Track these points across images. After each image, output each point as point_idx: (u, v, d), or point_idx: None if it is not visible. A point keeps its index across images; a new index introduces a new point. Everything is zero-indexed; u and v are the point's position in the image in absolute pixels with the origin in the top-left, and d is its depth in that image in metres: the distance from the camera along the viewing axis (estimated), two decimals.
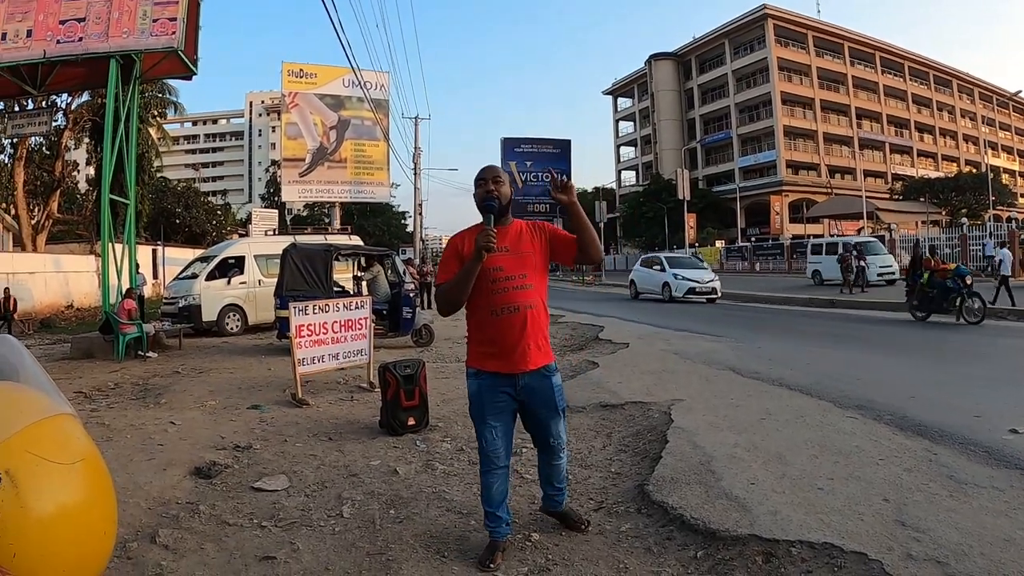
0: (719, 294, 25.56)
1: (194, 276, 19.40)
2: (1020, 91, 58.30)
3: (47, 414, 3.09)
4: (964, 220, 48.03)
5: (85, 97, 32.14)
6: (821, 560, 3.70)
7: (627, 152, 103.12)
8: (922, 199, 64.97)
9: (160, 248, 36.55)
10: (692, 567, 3.85)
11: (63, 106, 32.05)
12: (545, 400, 4.03)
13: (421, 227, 56.45)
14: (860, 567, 3.58)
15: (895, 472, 5.05)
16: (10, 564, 2.67)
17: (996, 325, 15.49)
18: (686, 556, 3.98)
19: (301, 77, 50.69)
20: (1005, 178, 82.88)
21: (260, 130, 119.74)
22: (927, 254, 18.17)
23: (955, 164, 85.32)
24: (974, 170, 75.67)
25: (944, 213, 64.12)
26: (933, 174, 77.02)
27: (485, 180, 3.98)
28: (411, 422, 7.03)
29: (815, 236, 54.26)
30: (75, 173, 41.37)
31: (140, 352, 14.10)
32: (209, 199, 63.39)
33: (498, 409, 3.99)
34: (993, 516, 4.17)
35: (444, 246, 4.08)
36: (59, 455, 2.95)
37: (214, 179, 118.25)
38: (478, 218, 3.90)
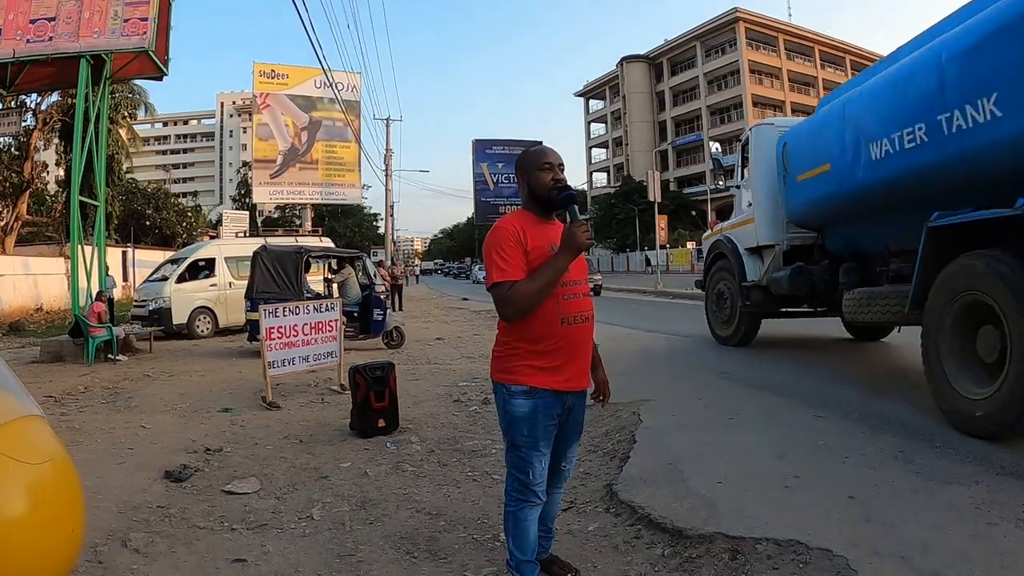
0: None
1: (164, 278, 19.25)
2: None
3: (16, 415, 3.09)
4: None
5: (55, 97, 31.82)
6: (787, 557, 3.74)
7: (598, 154, 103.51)
8: None
9: (130, 250, 36.27)
10: (659, 565, 3.90)
11: (32, 106, 31.75)
12: (576, 422, 3.58)
13: (393, 229, 56.34)
14: (825, 563, 3.62)
15: (862, 470, 5.11)
16: None
17: None
18: (654, 554, 4.03)
19: (273, 78, 50.42)
20: None
21: (231, 131, 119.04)
22: None
23: None
24: None
25: None
26: None
27: (552, 166, 3.36)
28: (381, 424, 7.04)
29: None
30: (44, 174, 40.97)
31: (110, 355, 14.00)
32: (180, 200, 63.10)
33: (549, 433, 3.37)
34: (958, 512, 4.22)
35: (495, 233, 3.24)
36: (27, 455, 2.95)
37: (185, 180, 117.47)
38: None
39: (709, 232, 15.25)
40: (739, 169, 13.00)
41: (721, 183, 18.15)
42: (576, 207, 3.36)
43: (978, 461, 5.16)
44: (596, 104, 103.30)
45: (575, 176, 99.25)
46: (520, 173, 3.45)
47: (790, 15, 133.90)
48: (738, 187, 13.10)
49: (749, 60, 76.77)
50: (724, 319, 12.83)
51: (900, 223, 8.11)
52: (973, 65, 6.46)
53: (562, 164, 3.40)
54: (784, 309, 11.90)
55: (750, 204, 12.12)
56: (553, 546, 3.91)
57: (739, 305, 12.05)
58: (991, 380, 5.85)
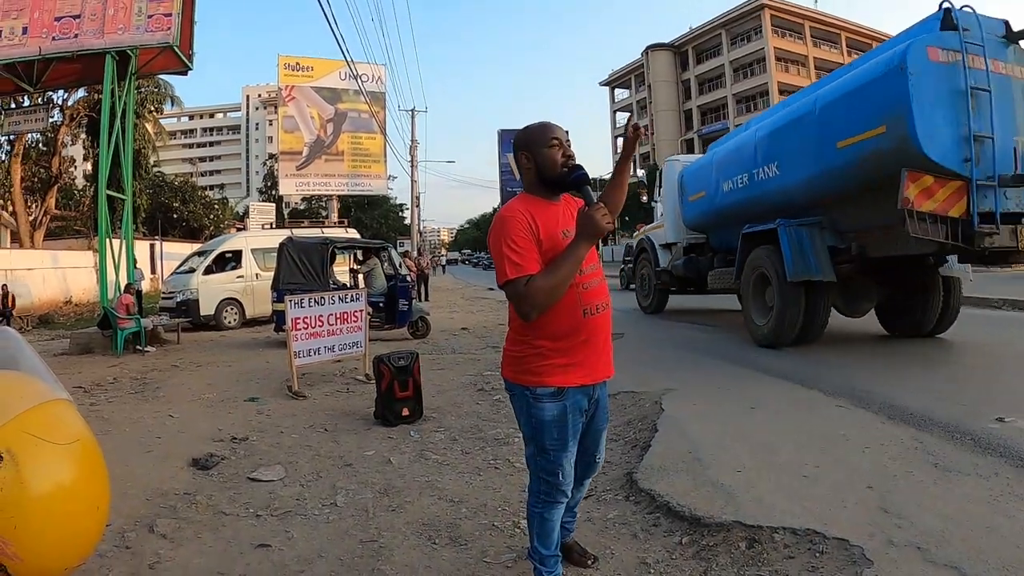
0: None
1: (192, 270, 19.41)
2: None
3: (45, 399, 3.20)
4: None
5: (81, 93, 32.12)
6: (803, 546, 3.76)
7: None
8: None
9: (158, 243, 36.61)
10: (677, 552, 3.92)
11: (59, 102, 32.05)
12: (605, 409, 3.42)
13: (419, 219, 56.45)
14: (841, 552, 3.65)
15: (880, 460, 5.11)
16: (11, 536, 2.80)
17: (988, 315, 15.55)
18: (671, 542, 4.06)
19: (297, 70, 50.54)
20: None
21: (257, 124, 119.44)
22: None
23: None
24: None
25: None
26: None
27: (560, 142, 3.12)
28: (405, 413, 7.11)
29: None
30: (72, 169, 41.35)
31: (138, 347, 14.17)
32: (206, 193, 63.32)
33: (578, 431, 3.21)
34: (976, 504, 4.22)
35: (502, 223, 2.97)
36: (56, 436, 3.06)
37: (211, 173, 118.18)
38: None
39: (637, 232, 22.05)
40: (657, 190, 18.85)
41: (646, 199, 24.13)
42: (590, 187, 3.07)
43: (997, 453, 5.14)
44: (622, 93, 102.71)
45: (602, 165, 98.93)
46: (522, 153, 3.18)
47: (816, 1, 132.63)
48: (656, 202, 18.95)
49: (775, 48, 76.10)
50: (645, 294, 18.61)
51: (738, 230, 12.30)
52: (768, 145, 11.70)
53: (569, 140, 3.16)
54: (688, 289, 16.86)
55: (662, 214, 17.82)
56: (575, 530, 3.89)
57: (655, 284, 17.77)
58: (768, 315, 11.07)
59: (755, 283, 11.55)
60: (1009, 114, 8.85)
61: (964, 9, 8.94)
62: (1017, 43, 9.19)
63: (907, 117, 8.36)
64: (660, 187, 17.97)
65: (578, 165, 3.09)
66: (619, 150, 3.57)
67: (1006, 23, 9.26)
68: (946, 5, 8.88)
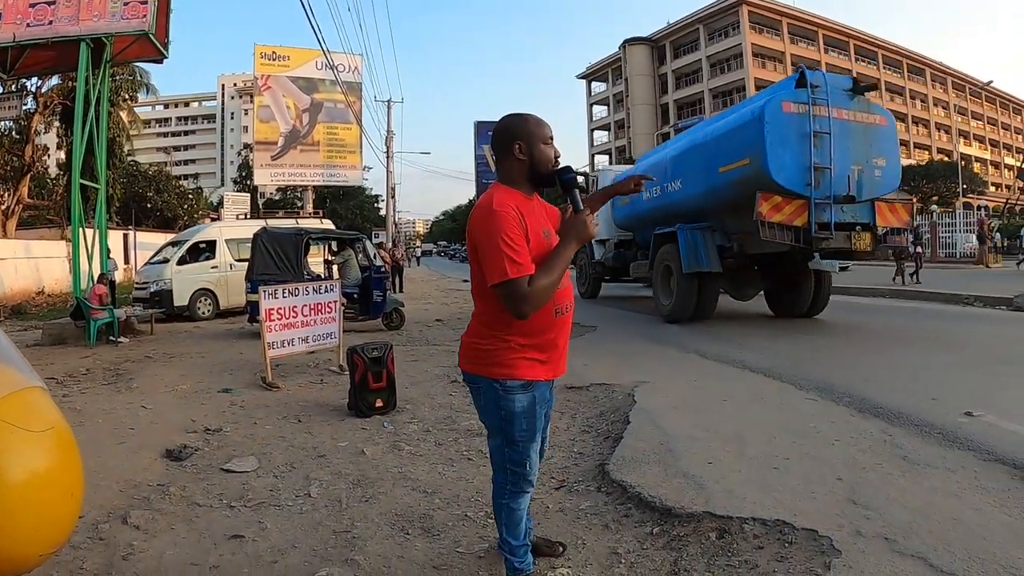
0: None
1: (165, 261, 19.30)
2: (992, 81, 59.19)
3: (19, 387, 3.20)
4: (935, 207, 48.55)
5: (55, 80, 31.75)
6: (772, 536, 3.83)
7: (600, 136, 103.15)
8: None
9: (131, 233, 36.33)
10: (648, 543, 3.97)
11: (33, 90, 31.69)
12: (552, 402, 3.48)
13: (394, 210, 56.34)
14: (810, 543, 3.71)
15: (850, 452, 5.21)
16: None
17: (959, 311, 15.74)
18: (642, 532, 4.11)
19: (274, 60, 50.28)
20: (976, 167, 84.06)
21: (232, 113, 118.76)
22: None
23: (927, 152, 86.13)
24: (946, 158, 76.60)
25: (915, 200, 64.75)
26: (905, 161, 77.22)
27: (551, 140, 3.16)
28: (379, 404, 7.13)
29: None
30: (45, 157, 40.87)
31: (112, 337, 14.09)
32: (181, 183, 62.90)
33: (543, 422, 3.34)
34: (943, 496, 4.31)
35: (496, 218, 2.88)
36: (29, 423, 3.06)
37: (186, 163, 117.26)
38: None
39: None
40: (594, 191, 20.98)
41: (578, 204, 29.45)
42: (579, 190, 3.10)
43: (966, 447, 5.24)
44: (598, 86, 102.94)
45: (578, 158, 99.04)
46: (517, 144, 3.09)
47: None
48: (583, 205, 20.77)
49: (752, 44, 76.51)
50: (582, 281, 21.62)
51: (653, 231, 15.34)
52: (675, 164, 14.60)
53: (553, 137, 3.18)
54: (619, 279, 20.04)
55: (597, 214, 18.17)
56: (534, 525, 3.90)
57: (590, 273, 21.13)
58: (671, 297, 14.06)
59: (662, 273, 14.76)
60: (847, 149, 11.80)
61: (816, 71, 12.36)
62: (863, 94, 12.29)
63: (762, 153, 11.41)
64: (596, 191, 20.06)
65: (569, 166, 3.13)
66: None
67: (854, 79, 12.70)
68: (802, 67, 12.42)
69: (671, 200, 14.67)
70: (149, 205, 48.04)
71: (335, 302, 9.82)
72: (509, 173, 3.12)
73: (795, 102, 11.63)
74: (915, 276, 22.58)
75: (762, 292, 15.63)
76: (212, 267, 19.30)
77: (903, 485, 4.52)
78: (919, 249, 23.61)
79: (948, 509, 4.10)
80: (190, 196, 56.84)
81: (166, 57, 16.18)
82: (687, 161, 14.17)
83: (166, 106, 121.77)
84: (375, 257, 16.03)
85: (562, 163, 3.14)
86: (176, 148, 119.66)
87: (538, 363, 3.13)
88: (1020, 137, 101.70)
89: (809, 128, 11.49)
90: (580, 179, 3.19)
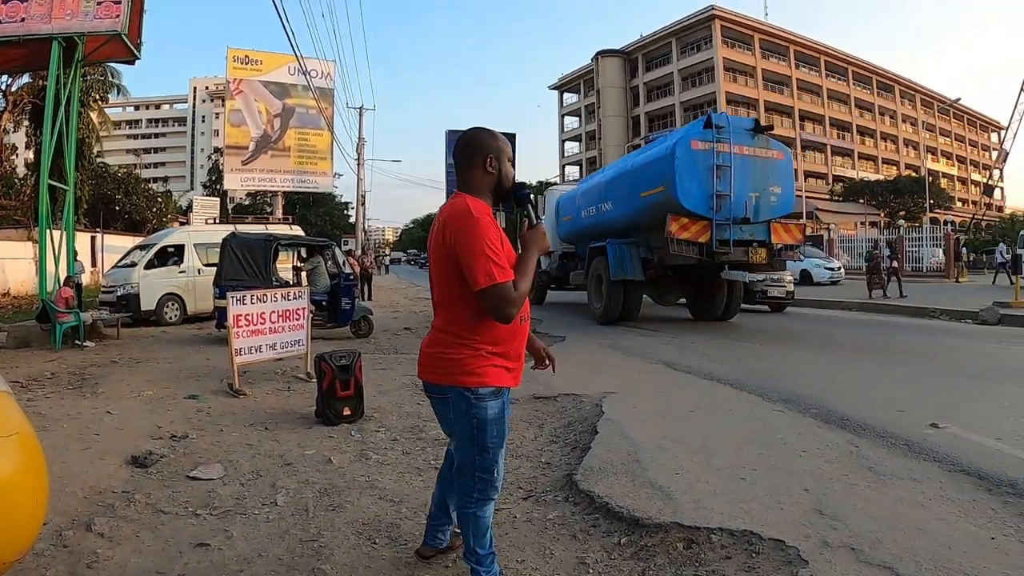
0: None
1: (133, 264, 19.17)
2: (960, 98, 60.00)
3: None
4: (902, 222, 49.12)
5: (25, 79, 31.51)
6: (740, 547, 3.86)
7: (572, 147, 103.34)
8: (861, 201, 66.35)
9: (99, 235, 35.98)
10: (615, 553, 3.98)
11: (2, 88, 31.42)
12: (510, 410, 3.50)
13: (364, 218, 56.18)
14: (777, 553, 3.75)
15: (817, 463, 5.27)
16: None
17: (926, 324, 15.93)
18: (610, 543, 4.11)
19: (246, 63, 50.03)
20: (943, 182, 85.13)
21: (203, 116, 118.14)
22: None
23: (895, 168, 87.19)
24: (913, 174, 77.57)
25: (883, 215, 65.55)
26: (873, 177, 78.72)
27: (512, 158, 3.34)
28: (346, 412, 7.10)
29: None
30: (13, 157, 40.54)
31: (77, 341, 13.93)
32: (150, 186, 62.39)
33: (508, 428, 3.44)
34: (909, 507, 4.38)
35: (478, 224, 2.98)
36: None
37: (155, 165, 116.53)
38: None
39: None
40: (540, 210, 25.49)
41: (534, 218, 33.44)
42: (532, 206, 3.31)
43: (931, 459, 5.33)
44: (571, 97, 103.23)
45: (548, 168, 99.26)
46: (489, 158, 3.21)
47: (766, 14, 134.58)
48: (540, 219, 23.92)
49: (724, 58, 76.98)
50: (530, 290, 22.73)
51: (589, 244, 17.83)
52: (607, 188, 16.93)
53: None
54: (562, 287, 22.36)
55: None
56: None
57: (537, 282, 20.49)
58: (602, 302, 16.28)
59: (595, 281, 17.14)
60: (747, 180, 14.11)
61: (722, 115, 14.72)
62: (763, 133, 14.85)
63: (673, 183, 13.83)
64: (544, 209, 23.10)
65: (524, 183, 3.31)
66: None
67: (756, 120, 15.31)
68: (710, 112, 15.48)
69: (604, 218, 17.18)
70: (117, 208, 47.57)
71: (304, 309, 9.77)
72: (476, 184, 3.21)
73: (702, 140, 14.00)
74: (899, 289, 23.21)
75: (684, 299, 17.92)
76: (180, 272, 19.11)
77: (869, 496, 4.58)
78: (894, 264, 24.02)
79: (914, 519, 4.16)
80: (159, 199, 56.37)
81: (138, 58, 16.06)
82: (617, 186, 16.70)
83: (137, 108, 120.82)
84: (344, 264, 15.98)
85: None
86: (146, 151, 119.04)
87: (505, 371, 3.19)
88: (987, 154, 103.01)
89: (713, 162, 13.89)
90: (532, 196, 3.33)
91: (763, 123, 15.43)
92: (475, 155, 3.21)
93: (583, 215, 18.67)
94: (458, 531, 3.64)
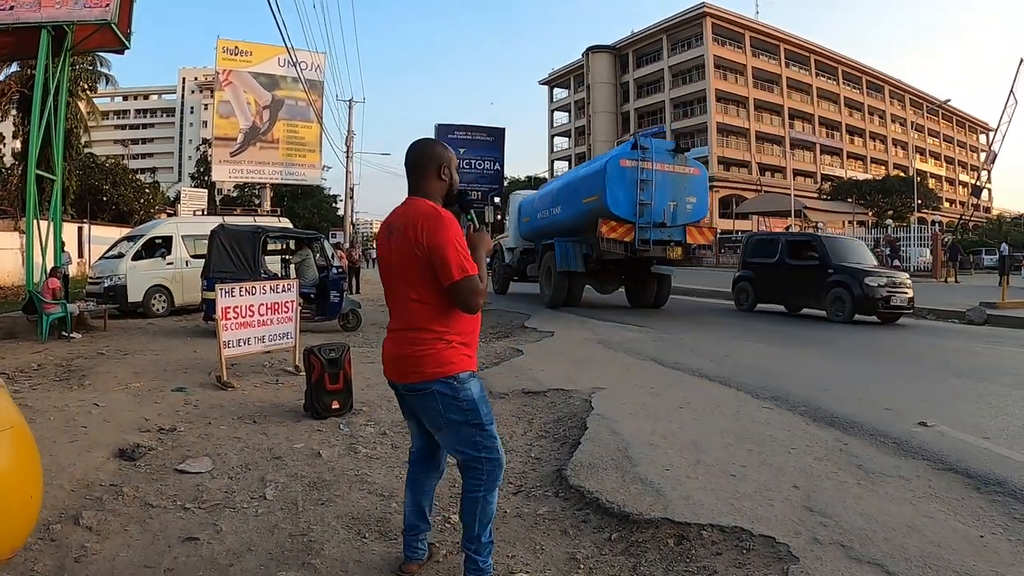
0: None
1: (120, 256, 19.00)
2: (949, 100, 60.11)
3: None
4: (889, 221, 49.30)
5: (14, 68, 31.33)
6: (731, 543, 3.88)
7: (561, 142, 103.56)
8: (850, 200, 66.50)
9: (86, 226, 35.76)
10: (606, 548, 3.99)
11: None
12: None
13: (352, 211, 56.08)
14: (768, 550, 3.77)
15: (806, 461, 5.29)
16: None
17: (915, 324, 15.99)
18: (601, 538, 4.12)
19: (236, 55, 49.89)
20: (931, 182, 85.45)
21: (192, 107, 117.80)
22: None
23: (884, 167, 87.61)
24: (902, 174, 77.82)
25: (871, 214, 65.72)
26: (861, 176, 78.97)
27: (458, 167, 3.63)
28: (335, 405, 7.09)
29: (743, 232, 55.76)
30: (0, 147, 40.28)
31: (64, 333, 13.87)
32: (138, 177, 61.92)
33: None
34: (898, 504, 4.40)
35: (449, 223, 3.26)
36: None
37: (143, 156, 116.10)
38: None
39: (496, 239, 28.68)
40: (488, 216, 23.11)
41: (500, 217, 35.33)
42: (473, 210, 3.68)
43: (920, 456, 5.37)
44: (560, 92, 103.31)
45: (538, 164, 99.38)
46: (440, 166, 3.45)
47: (757, 12, 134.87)
48: (506, 219, 26.83)
49: (715, 55, 77.18)
50: (496, 281, 25.89)
51: (542, 242, 20.71)
52: (557, 194, 20.33)
53: None
54: (524, 279, 24.38)
55: (508, 228, 26.17)
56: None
57: (501, 274, 25.92)
58: (551, 289, 19.23)
59: (546, 272, 20.10)
60: (667, 191, 17.03)
61: (648, 138, 17.72)
62: (682, 153, 17.69)
63: (604, 194, 16.73)
64: (508, 211, 27.04)
65: (467, 190, 3.62)
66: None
67: (676, 143, 19.66)
68: (636, 135, 18.28)
69: (555, 220, 20.05)
70: (105, 198, 47.22)
71: (292, 301, 9.75)
72: (430, 190, 3.43)
73: (630, 159, 16.87)
74: None
75: (623, 289, 20.81)
76: (168, 263, 18.99)
77: (859, 493, 4.60)
78: (895, 263, 24.22)
79: (903, 517, 4.19)
80: (147, 190, 56.02)
81: (128, 48, 15.99)
82: (565, 193, 19.78)
83: (125, 98, 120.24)
84: (333, 257, 15.94)
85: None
86: (134, 141, 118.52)
87: (468, 357, 3.38)
88: (975, 155, 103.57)
89: (637, 177, 16.71)
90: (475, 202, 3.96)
91: (682, 145, 18.85)
92: (432, 164, 3.43)
93: (539, 217, 21.72)
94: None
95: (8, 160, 42.96)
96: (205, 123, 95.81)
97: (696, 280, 27.98)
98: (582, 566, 3.79)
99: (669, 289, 19.83)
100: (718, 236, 57.81)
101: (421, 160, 3.43)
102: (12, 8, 14.10)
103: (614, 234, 16.47)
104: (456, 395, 3.28)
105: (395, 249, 3.33)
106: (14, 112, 35.22)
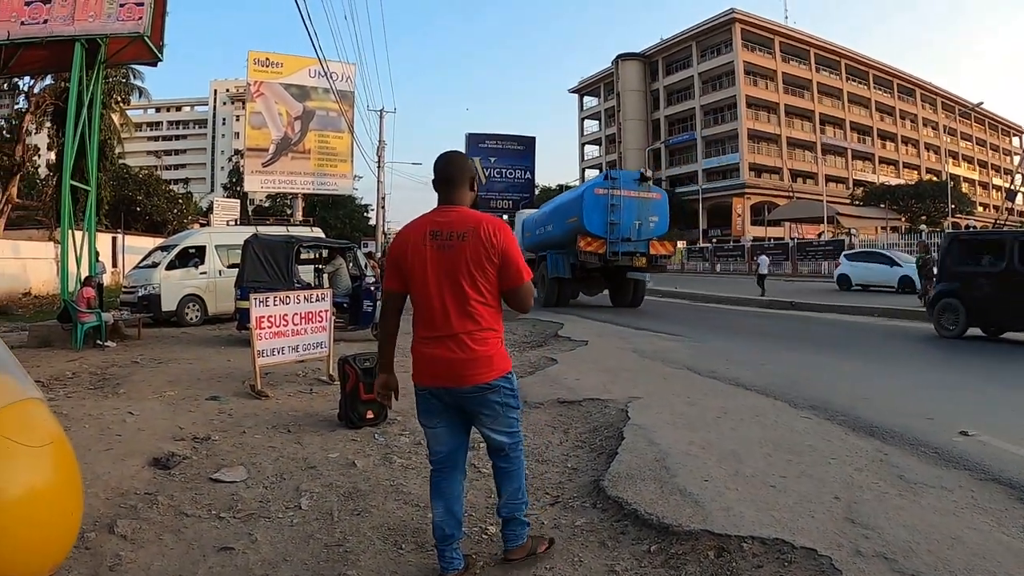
0: None
1: (154, 265, 19.21)
2: (982, 102, 59.53)
3: (16, 398, 3.10)
4: (923, 227, 48.81)
5: (48, 80, 31.67)
6: (772, 555, 3.79)
7: (591, 150, 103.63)
8: (882, 205, 66.02)
9: (120, 236, 36.11)
10: (645, 561, 3.92)
11: (25, 89, 31.61)
12: None
13: (384, 220, 56.33)
14: (810, 563, 3.67)
15: (846, 471, 5.17)
16: None
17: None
18: (640, 550, 4.05)
19: (267, 66, 50.38)
20: (965, 187, 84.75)
21: (224, 119, 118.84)
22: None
23: (916, 172, 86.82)
24: (935, 178, 77.19)
25: (904, 219, 65.19)
26: (894, 181, 78.36)
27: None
28: (370, 415, 7.06)
29: (775, 239, 55.48)
30: (36, 158, 40.81)
31: (99, 341, 13.98)
32: (171, 187, 62.64)
33: None
34: (941, 515, 4.29)
35: (509, 231, 3.59)
36: (28, 438, 2.96)
37: (176, 167, 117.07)
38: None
39: None
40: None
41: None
42: None
43: (961, 466, 5.24)
44: (591, 101, 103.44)
45: (569, 172, 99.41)
46: (473, 179, 3.69)
47: (786, 17, 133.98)
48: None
49: (744, 61, 76.91)
50: None
51: (539, 253, 24.12)
52: (549, 215, 25.05)
53: None
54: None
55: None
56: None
57: None
58: (544, 293, 22.37)
59: (540, 279, 22.48)
60: (633, 213, 20.97)
61: (617, 171, 27.11)
62: (646, 181, 21.68)
63: (582, 216, 20.66)
64: (515, 228, 29.91)
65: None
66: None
67: (641, 172, 22.43)
68: (608, 171, 24.88)
69: (548, 236, 23.87)
70: (138, 209, 47.72)
71: (326, 311, 9.76)
72: (466, 199, 3.65)
73: (602, 188, 21.16)
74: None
75: (606, 292, 23.77)
76: (201, 273, 19.15)
77: (900, 504, 4.49)
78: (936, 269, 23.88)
79: (946, 528, 4.08)
80: (180, 201, 56.60)
81: (160, 60, 16.13)
82: (555, 215, 24.01)
83: (157, 110, 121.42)
84: (366, 267, 15.96)
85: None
86: (167, 152, 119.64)
87: None
88: (1008, 158, 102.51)
89: (608, 202, 20.71)
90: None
91: (650, 174, 22.94)
92: (464, 175, 3.64)
93: (537, 232, 25.53)
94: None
95: (43, 171, 43.54)
96: (237, 134, 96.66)
97: (724, 288, 27.75)
98: None
99: (644, 291, 23.40)
100: (751, 243, 57.82)
101: (460, 171, 3.62)
102: (46, 22, 14.23)
103: (590, 247, 20.43)
104: (513, 387, 3.61)
105: (463, 252, 3.42)
106: (49, 124, 35.71)
